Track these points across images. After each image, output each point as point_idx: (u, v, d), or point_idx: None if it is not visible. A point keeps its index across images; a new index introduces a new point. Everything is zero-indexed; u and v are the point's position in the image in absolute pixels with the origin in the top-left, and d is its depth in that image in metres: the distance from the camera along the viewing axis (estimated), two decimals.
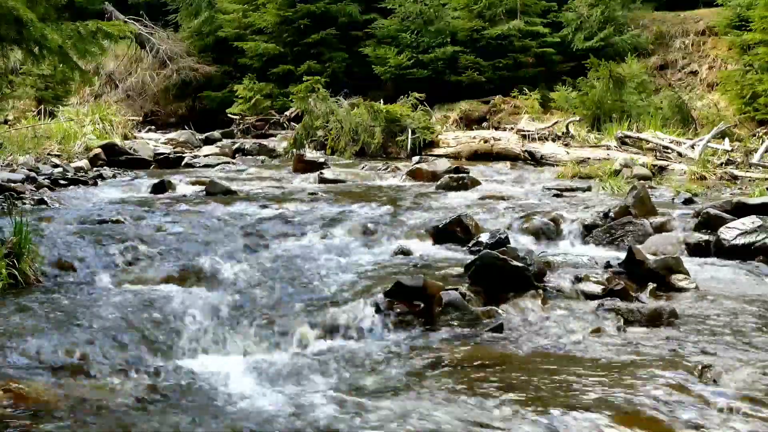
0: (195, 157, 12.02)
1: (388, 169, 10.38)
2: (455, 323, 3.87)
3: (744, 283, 4.79)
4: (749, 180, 8.96)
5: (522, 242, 5.75)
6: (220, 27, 19.31)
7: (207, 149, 13.05)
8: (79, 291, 4.36)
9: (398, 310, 3.97)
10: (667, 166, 10.06)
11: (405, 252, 5.48)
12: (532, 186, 8.81)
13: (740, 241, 5.37)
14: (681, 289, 4.49)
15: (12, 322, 3.77)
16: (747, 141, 11.48)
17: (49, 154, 10.49)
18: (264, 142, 14.43)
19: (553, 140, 12.43)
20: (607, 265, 4.79)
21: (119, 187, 8.69)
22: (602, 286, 4.31)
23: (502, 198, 7.67)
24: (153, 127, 17.95)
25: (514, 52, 16.49)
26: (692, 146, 10.62)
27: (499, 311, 3.99)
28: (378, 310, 3.96)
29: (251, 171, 10.66)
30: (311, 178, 9.67)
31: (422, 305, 3.99)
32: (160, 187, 8.30)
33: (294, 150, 12.41)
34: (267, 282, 4.59)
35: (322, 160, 10.97)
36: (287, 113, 16.52)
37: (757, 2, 12.98)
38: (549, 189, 8.29)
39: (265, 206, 7.13)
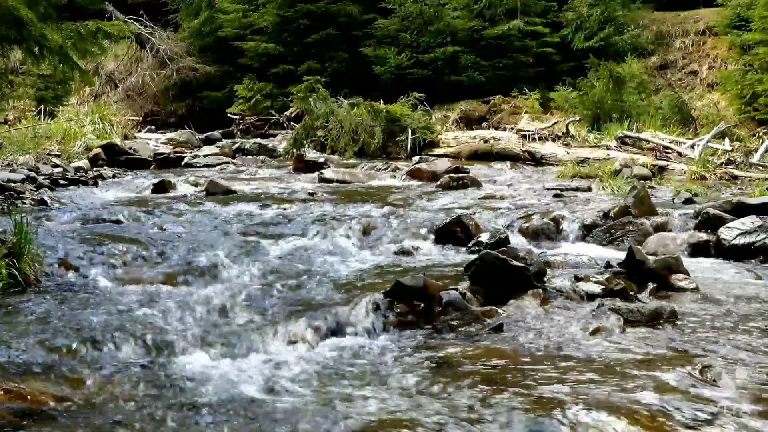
0: (195, 157, 12.03)
1: (388, 169, 10.39)
2: (455, 323, 3.87)
3: (744, 283, 4.79)
4: (749, 180, 8.97)
5: (522, 242, 5.76)
6: (220, 27, 19.31)
7: (207, 149, 13.06)
8: (79, 291, 4.36)
9: (398, 310, 3.97)
10: (667, 166, 10.07)
11: (405, 252, 5.48)
12: (532, 186, 8.81)
13: (740, 241, 5.37)
14: (681, 289, 4.49)
15: (12, 322, 3.78)
16: (747, 141, 11.49)
17: (49, 154, 10.50)
18: (264, 142, 14.44)
19: (553, 140, 12.44)
20: (607, 265, 4.79)
21: (119, 187, 8.70)
22: (602, 286, 4.31)
23: (502, 198, 7.67)
24: (153, 127, 17.97)
25: (514, 52, 16.51)
26: (692, 146, 10.63)
27: (499, 311, 3.99)
28: (378, 310, 3.96)
29: (251, 171, 10.68)
30: (311, 178, 9.68)
31: (422, 305, 3.99)
32: (160, 187, 8.31)
33: (294, 150, 12.42)
34: (266, 282, 4.59)
35: (322, 160, 10.98)
36: (287, 113, 16.53)
37: (757, 2, 12.98)
38: (549, 189, 8.29)
39: (265, 206, 7.13)
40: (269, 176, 10.06)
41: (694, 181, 9.03)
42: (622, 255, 4.86)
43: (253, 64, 18.29)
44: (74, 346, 3.49)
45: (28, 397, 2.91)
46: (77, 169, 9.75)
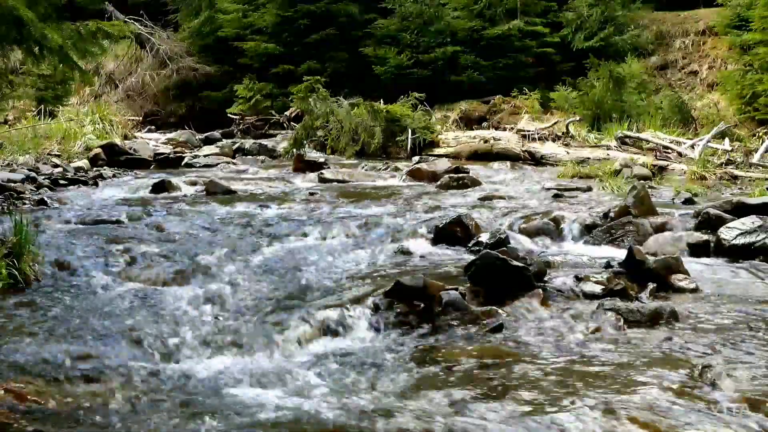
0: (195, 157, 12.00)
1: (388, 169, 10.39)
2: (455, 323, 3.87)
3: (744, 283, 4.79)
4: (749, 180, 8.96)
5: (522, 242, 5.75)
6: (220, 27, 19.28)
7: (207, 149, 13.04)
8: (78, 291, 4.37)
9: (398, 310, 3.97)
10: (667, 166, 10.07)
11: (405, 252, 5.48)
12: (532, 186, 8.80)
13: (740, 241, 5.37)
14: (681, 289, 4.49)
15: (12, 322, 3.78)
16: (747, 141, 11.49)
17: (49, 154, 10.49)
18: (264, 142, 14.42)
19: (553, 140, 12.43)
20: (607, 265, 4.79)
21: (119, 187, 8.69)
22: (602, 286, 4.31)
23: (502, 198, 7.67)
24: (153, 127, 17.96)
25: (514, 52, 16.50)
26: (692, 146, 10.63)
27: (499, 311, 3.99)
28: (378, 310, 3.96)
29: (251, 171, 10.67)
30: (311, 178, 9.67)
31: (422, 305, 3.99)
32: (160, 187, 8.30)
33: (294, 150, 12.40)
34: (267, 282, 4.59)
35: (322, 160, 10.97)
36: (287, 113, 16.52)
37: (757, 2, 12.98)
38: (549, 189, 8.28)
39: (265, 206, 7.13)
40: (269, 176, 10.05)
41: (694, 181, 9.03)
42: (622, 255, 4.86)
43: (253, 64, 18.28)
44: (74, 346, 3.49)
45: (28, 397, 2.91)
46: (77, 169, 9.74)
